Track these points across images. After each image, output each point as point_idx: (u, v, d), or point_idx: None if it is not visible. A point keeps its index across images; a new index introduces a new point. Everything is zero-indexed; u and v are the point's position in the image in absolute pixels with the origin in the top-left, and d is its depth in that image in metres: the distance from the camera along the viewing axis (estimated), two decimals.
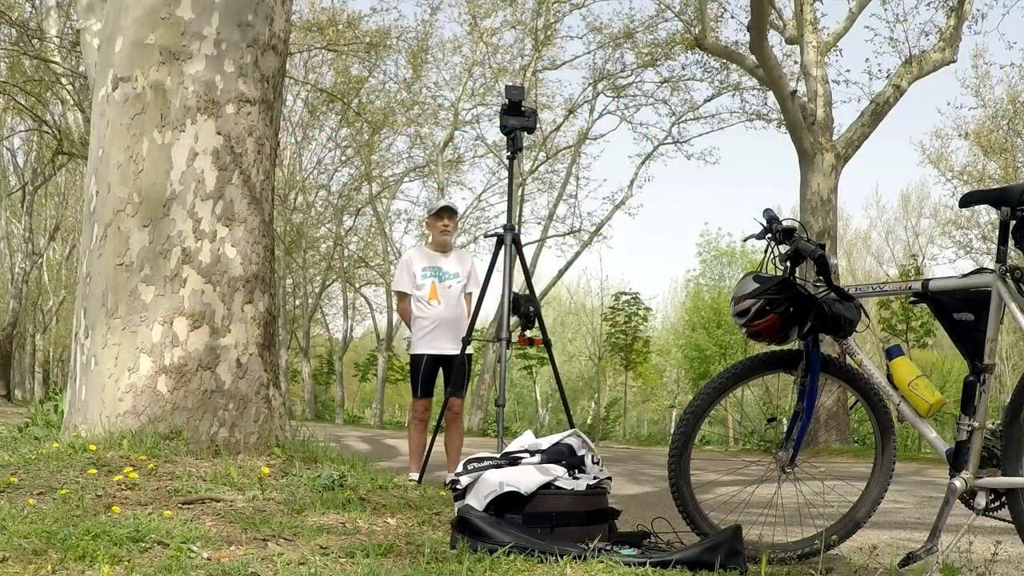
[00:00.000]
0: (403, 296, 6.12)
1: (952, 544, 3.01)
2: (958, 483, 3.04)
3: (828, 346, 3.48)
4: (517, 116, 5.21)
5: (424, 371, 5.89)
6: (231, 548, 2.75)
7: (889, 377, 3.30)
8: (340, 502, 3.61)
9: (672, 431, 10.22)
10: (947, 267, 29.75)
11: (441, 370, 5.94)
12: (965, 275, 3.17)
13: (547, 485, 3.10)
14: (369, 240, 31.31)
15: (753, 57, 14.73)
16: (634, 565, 2.74)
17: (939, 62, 14.75)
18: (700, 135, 32.46)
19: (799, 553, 3.33)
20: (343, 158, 28.75)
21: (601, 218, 24.76)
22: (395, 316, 26.75)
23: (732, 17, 23.89)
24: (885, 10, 16.55)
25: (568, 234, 24.94)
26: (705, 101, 22.59)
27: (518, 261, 5.31)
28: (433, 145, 25.46)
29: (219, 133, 4.88)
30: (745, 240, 3.63)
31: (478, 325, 6.56)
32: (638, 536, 3.17)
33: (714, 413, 3.57)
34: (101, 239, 4.86)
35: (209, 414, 4.66)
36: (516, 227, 6.09)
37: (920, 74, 14.72)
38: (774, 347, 3.41)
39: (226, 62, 4.93)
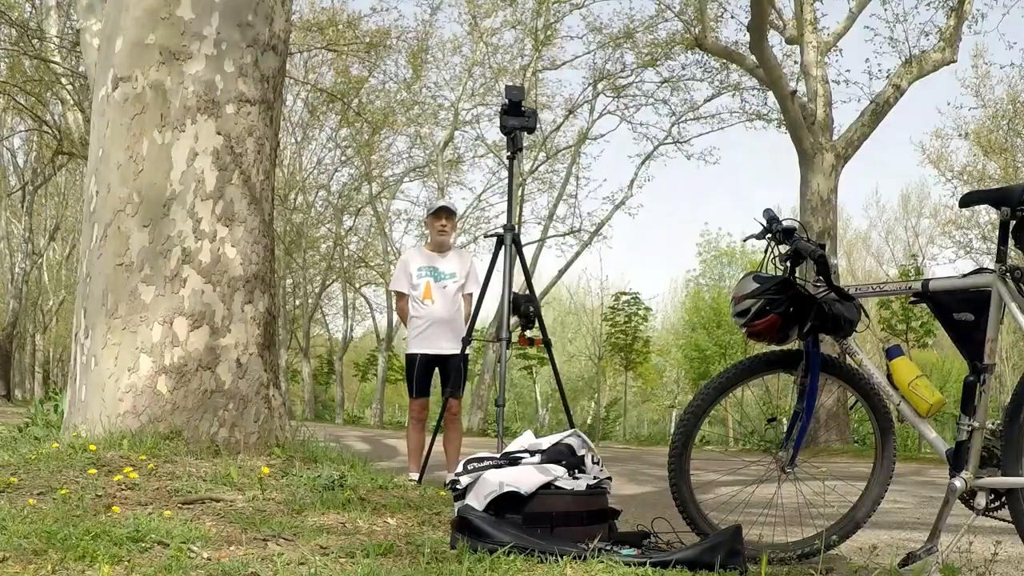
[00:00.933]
0: (401, 296, 6.14)
1: (952, 544, 3.01)
2: (958, 483, 3.04)
3: (828, 346, 3.48)
4: (517, 116, 5.21)
5: (418, 370, 5.90)
6: (231, 548, 2.75)
7: (889, 377, 3.30)
8: (340, 502, 3.61)
9: (672, 431, 10.21)
10: (947, 267, 29.74)
11: (437, 370, 5.95)
12: (965, 275, 3.17)
13: (547, 485, 3.09)
14: (369, 240, 31.35)
15: (753, 57, 14.72)
16: (634, 565, 2.74)
17: (939, 62, 14.74)
18: (700, 135, 32.40)
19: (799, 553, 3.33)
20: (343, 158, 28.81)
21: (601, 218, 24.84)
22: (395, 316, 26.79)
23: (732, 17, 23.83)
24: (885, 10, 16.56)
25: (568, 234, 24.99)
26: (705, 101, 22.66)
27: (518, 261, 5.31)
28: (433, 145, 25.49)
29: (219, 133, 4.88)
30: (745, 240, 3.62)
31: (478, 325, 6.56)
32: (638, 536, 3.17)
33: (714, 413, 3.57)
34: (101, 239, 4.86)
35: (209, 414, 4.66)
36: (516, 227, 6.09)
37: (920, 74, 14.72)
38: (774, 347, 3.41)
39: (226, 62, 4.93)
